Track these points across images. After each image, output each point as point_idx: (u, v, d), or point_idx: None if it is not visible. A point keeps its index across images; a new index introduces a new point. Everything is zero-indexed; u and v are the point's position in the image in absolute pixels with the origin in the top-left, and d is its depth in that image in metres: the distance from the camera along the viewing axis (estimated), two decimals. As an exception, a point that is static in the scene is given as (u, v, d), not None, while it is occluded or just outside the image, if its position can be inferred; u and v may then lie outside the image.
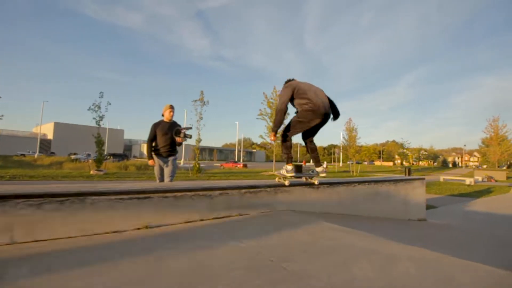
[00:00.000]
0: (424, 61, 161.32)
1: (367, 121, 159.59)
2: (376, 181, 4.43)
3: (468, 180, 16.46)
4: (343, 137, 35.02)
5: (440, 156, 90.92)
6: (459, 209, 6.79)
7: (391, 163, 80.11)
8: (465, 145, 59.80)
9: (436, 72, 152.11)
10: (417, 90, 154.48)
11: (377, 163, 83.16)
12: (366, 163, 77.23)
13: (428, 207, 7.08)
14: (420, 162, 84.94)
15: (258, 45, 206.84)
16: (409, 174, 28.99)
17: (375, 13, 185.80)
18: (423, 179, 5.28)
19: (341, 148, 36.49)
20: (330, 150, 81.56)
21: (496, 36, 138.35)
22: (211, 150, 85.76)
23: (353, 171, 30.89)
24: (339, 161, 55.61)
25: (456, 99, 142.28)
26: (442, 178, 19.83)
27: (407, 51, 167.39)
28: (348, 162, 39.55)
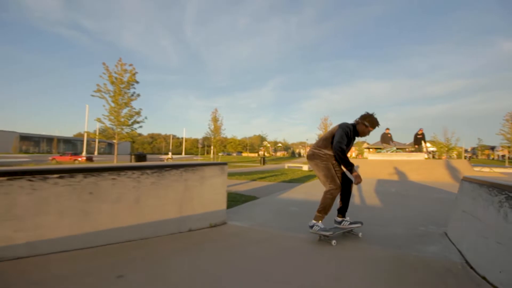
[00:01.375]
0: (282, 71, 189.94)
1: (239, 116, 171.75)
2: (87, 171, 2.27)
3: (304, 167, 18.67)
4: (209, 127, 34.18)
5: (291, 148, 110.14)
6: (276, 200, 6.06)
7: (256, 154, 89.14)
8: (307, 139, 74.67)
9: (290, 81, 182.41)
10: (278, 94, 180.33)
11: (245, 154, 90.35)
12: (234, 154, 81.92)
13: (250, 198, 5.95)
14: (278, 153, 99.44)
15: (131, 23, 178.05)
16: (263, 163, 31.61)
17: (250, 21, 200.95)
18: (224, 164, 3.70)
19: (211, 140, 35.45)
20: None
21: (331, 60, 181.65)
22: (49, 139, 66.57)
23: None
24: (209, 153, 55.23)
25: (304, 104, 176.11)
26: (286, 165, 21.88)
27: (271, 60, 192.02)
28: (220, 154, 39.32)
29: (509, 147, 35.68)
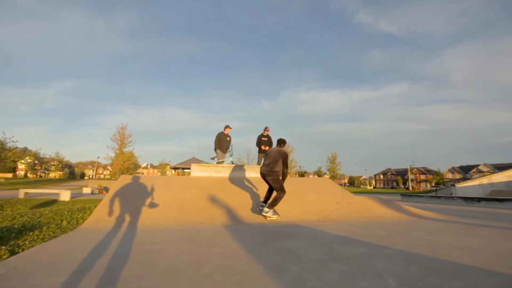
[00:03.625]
0: (78, 73, 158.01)
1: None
2: None
3: (63, 195, 13.14)
4: None
5: (72, 167, 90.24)
6: None
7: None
8: (98, 157, 64.95)
9: (88, 88, 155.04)
10: (67, 100, 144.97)
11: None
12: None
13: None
14: (51, 174, 76.81)
15: None
16: None
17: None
18: None
19: None
20: None
21: (137, 79, 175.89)
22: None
23: None
24: None
25: (102, 118, 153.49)
26: (23, 192, 14.10)
27: (64, 56, 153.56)
28: None
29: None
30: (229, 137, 9.50)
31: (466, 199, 10.47)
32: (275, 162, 5.15)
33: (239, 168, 8.09)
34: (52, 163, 73.18)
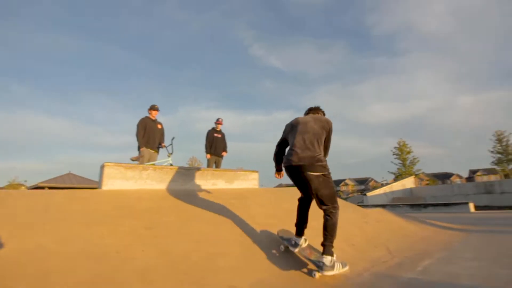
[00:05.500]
0: None
1: None
2: None
3: None
4: None
5: None
6: None
7: None
8: None
9: None
10: None
11: None
12: None
13: None
14: None
15: None
16: None
17: None
18: None
19: None
20: None
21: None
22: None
23: None
24: None
25: None
26: None
27: None
28: None
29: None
30: (161, 124, 5.84)
31: (412, 206, 10.82)
32: (318, 140, 2.35)
33: (193, 173, 4.55)
34: None
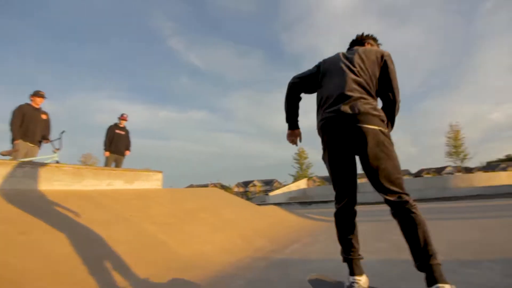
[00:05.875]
0: None
1: None
2: None
3: None
4: None
5: None
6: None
7: None
8: None
9: None
10: None
11: None
12: None
13: None
14: None
15: None
16: None
17: None
18: None
19: None
20: None
21: None
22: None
23: None
24: None
25: None
26: None
27: None
28: None
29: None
30: (46, 114, 5.05)
31: (301, 203, 12.71)
32: (370, 81, 1.49)
33: (84, 172, 4.12)
34: None
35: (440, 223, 4.71)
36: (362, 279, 1.51)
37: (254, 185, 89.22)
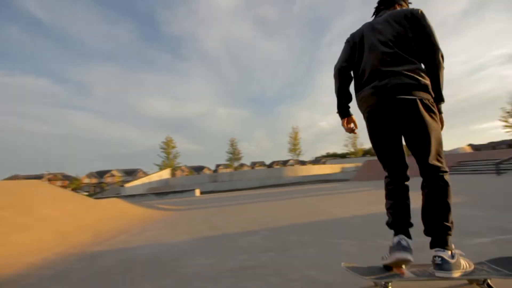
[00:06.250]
0: None
1: None
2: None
3: None
4: None
5: None
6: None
7: None
8: None
9: None
10: None
11: None
12: None
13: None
14: None
15: None
16: None
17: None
18: None
19: None
20: None
21: None
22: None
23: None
24: None
25: None
26: None
27: None
28: None
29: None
30: None
31: (157, 194, 12.29)
32: (407, 45, 1.41)
33: None
34: None
35: (265, 204, 6.10)
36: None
37: (112, 175, 78.26)
